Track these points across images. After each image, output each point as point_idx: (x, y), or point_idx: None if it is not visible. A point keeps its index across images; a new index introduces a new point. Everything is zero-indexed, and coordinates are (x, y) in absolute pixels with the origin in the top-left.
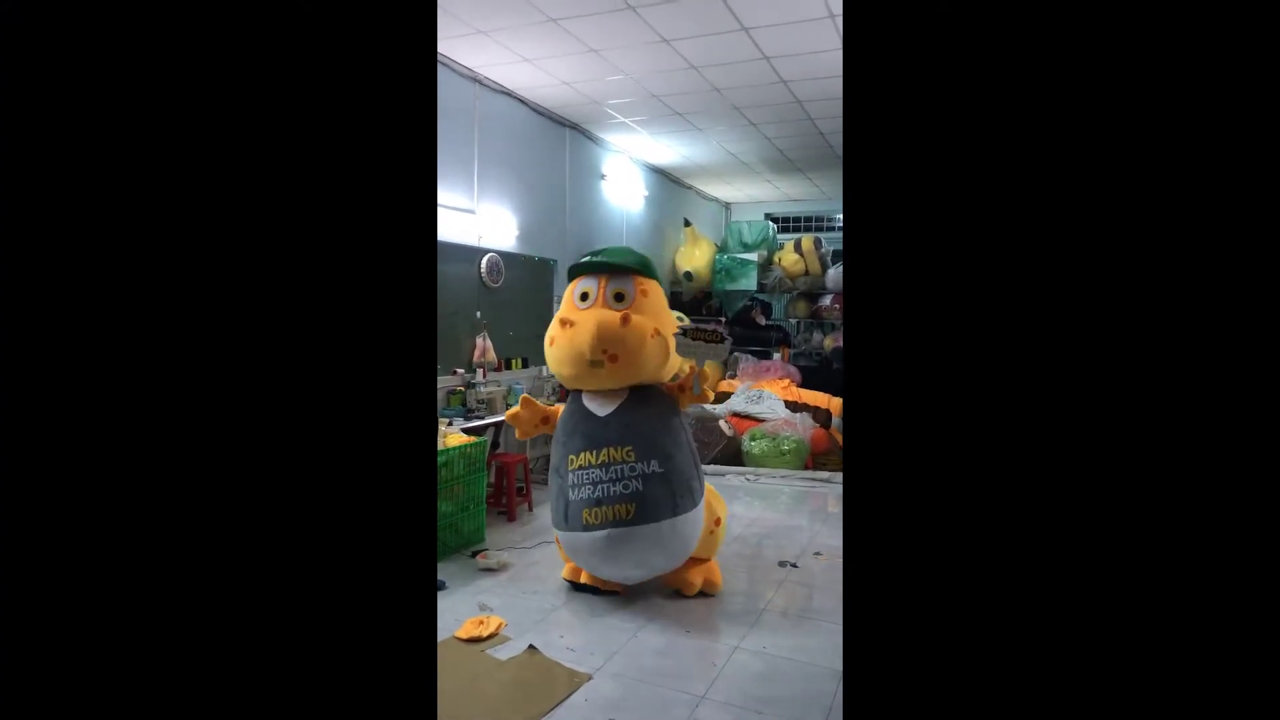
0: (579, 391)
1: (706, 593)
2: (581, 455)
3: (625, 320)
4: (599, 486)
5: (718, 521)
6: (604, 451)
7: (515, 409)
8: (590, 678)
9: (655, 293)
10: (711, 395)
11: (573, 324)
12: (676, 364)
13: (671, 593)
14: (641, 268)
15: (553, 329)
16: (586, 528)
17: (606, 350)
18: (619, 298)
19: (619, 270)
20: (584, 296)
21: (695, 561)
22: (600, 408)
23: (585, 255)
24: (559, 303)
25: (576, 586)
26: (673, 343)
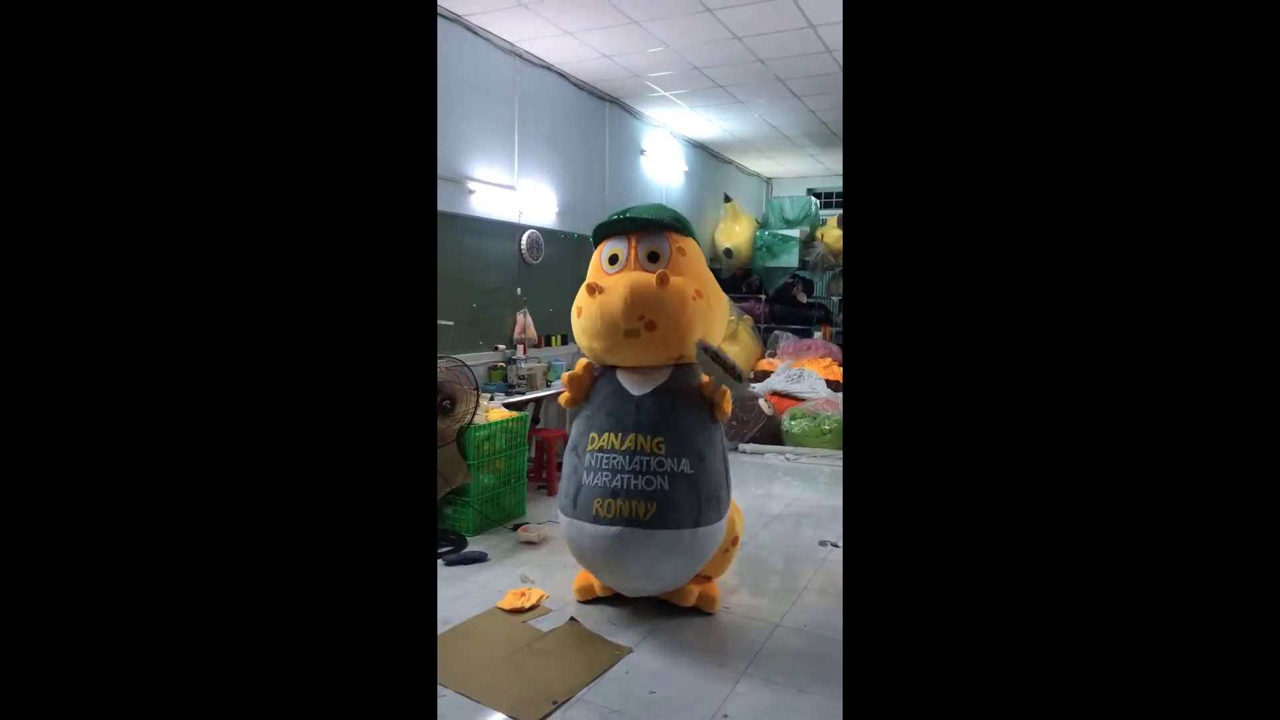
0: (613, 367)
1: (702, 609)
2: (604, 436)
3: (663, 281)
4: (619, 476)
5: (735, 540)
6: (631, 437)
7: (575, 371)
8: (631, 650)
9: (693, 251)
10: (729, 411)
11: (602, 290)
12: (723, 329)
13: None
14: (676, 223)
15: (580, 298)
16: (596, 520)
17: (643, 317)
18: (653, 258)
19: (650, 227)
20: (612, 259)
21: (700, 578)
22: (635, 386)
23: (612, 215)
24: None
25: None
26: (712, 321)
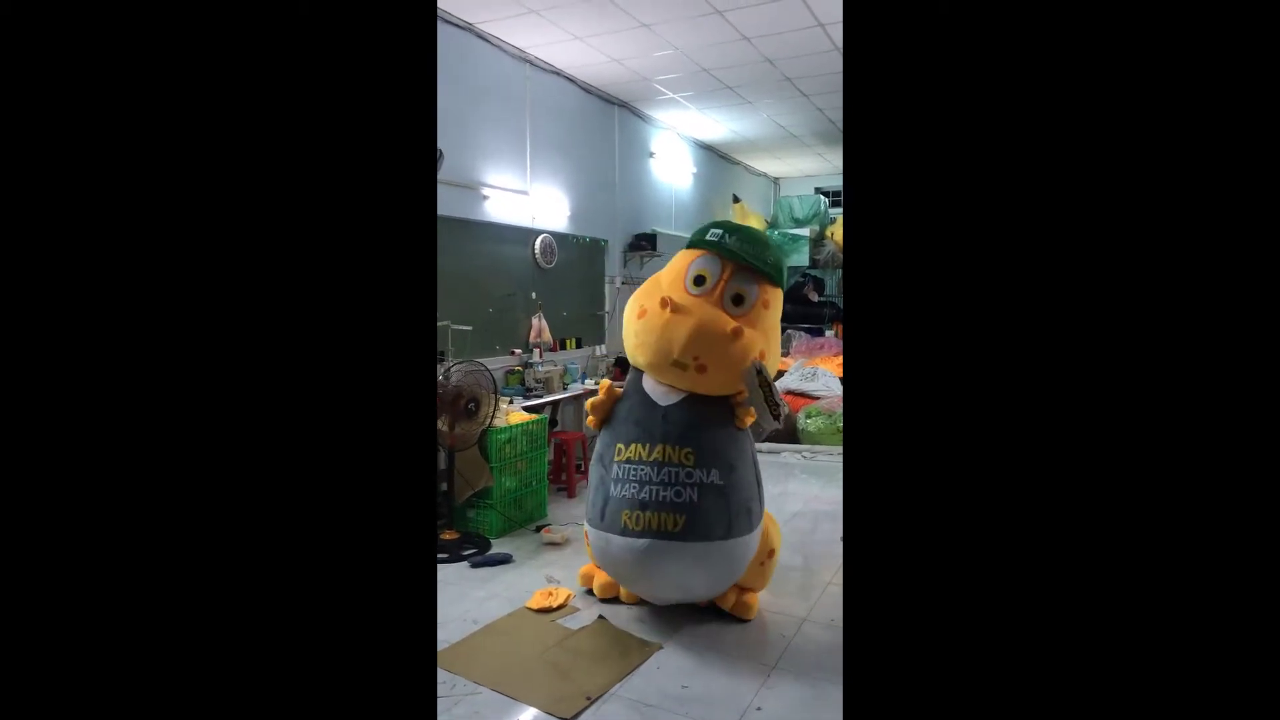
0: (639, 371)
1: (738, 615)
2: (632, 447)
3: (737, 334)
4: (646, 488)
5: (771, 553)
6: (659, 448)
7: (598, 398)
8: (661, 647)
9: (776, 305)
10: (747, 425)
11: (675, 309)
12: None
13: None
14: (775, 274)
15: (646, 299)
16: (625, 532)
17: (698, 358)
18: (737, 300)
19: (750, 268)
20: (699, 281)
21: (740, 589)
22: (662, 395)
23: (712, 225)
24: (610, 283)
25: (590, 592)
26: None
